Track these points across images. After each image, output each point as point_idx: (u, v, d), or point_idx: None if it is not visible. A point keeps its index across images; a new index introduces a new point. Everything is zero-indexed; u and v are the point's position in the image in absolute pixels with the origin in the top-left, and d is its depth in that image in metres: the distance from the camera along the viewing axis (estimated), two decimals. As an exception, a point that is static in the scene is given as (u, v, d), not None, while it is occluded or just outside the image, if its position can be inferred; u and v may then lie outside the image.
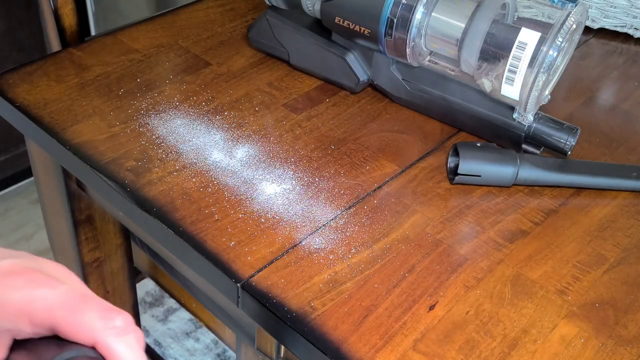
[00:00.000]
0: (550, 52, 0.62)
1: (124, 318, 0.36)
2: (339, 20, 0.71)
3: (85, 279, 0.91)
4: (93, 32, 1.44)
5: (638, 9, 0.90)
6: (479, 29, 0.65)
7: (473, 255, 0.60)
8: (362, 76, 0.75)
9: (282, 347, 0.66)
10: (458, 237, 0.62)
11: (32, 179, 1.72)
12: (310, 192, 0.65)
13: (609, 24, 0.93)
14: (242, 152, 0.68)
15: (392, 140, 0.72)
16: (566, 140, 0.68)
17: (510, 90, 0.65)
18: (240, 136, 0.70)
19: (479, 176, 0.66)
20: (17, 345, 0.37)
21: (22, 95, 0.73)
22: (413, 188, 0.67)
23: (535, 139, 0.70)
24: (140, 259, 0.96)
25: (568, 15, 0.63)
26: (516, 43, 0.63)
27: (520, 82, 0.64)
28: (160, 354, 1.40)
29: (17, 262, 0.36)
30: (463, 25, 0.66)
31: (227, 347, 1.43)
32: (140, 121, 0.71)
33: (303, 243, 0.60)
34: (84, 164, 0.66)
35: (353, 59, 0.75)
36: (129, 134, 0.69)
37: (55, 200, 0.85)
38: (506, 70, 0.64)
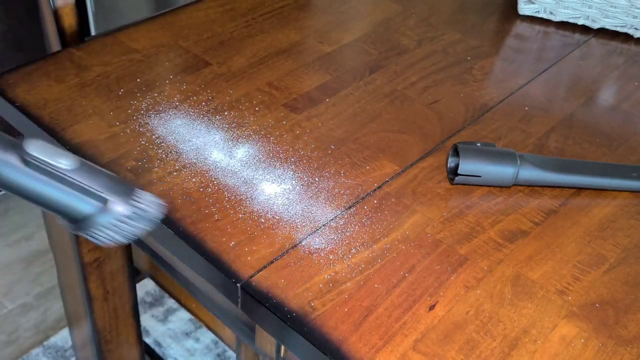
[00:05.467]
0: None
1: None
2: None
3: (85, 279, 0.91)
4: (93, 32, 1.44)
5: (638, 9, 0.90)
6: None
7: (473, 256, 0.60)
8: None
9: (282, 347, 0.66)
10: (458, 237, 0.62)
11: (32, 179, 1.71)
12: (310, 192, 0.65)
13: (609, 23, 0.93)
14: (242, 152, 0.68)
15: (392, 140, 0.72)
16: None
17: None
18: (240, 136, 0.70)
19: (479, 176, 0.66)
20: None
21: (22, 95, 0.72)
22: (413, 188, 0.67)
23: None
24: (140, 259, 0.96)
25: None
26: None
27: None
28: (160, 354, 1.40)
29: None
30: None
31: (227, 347, 1.43)
32: (140, 121, 0.71)
33: (303, 243, 0.60)
34: (83, 164, 0.66)
35: None
36: (129, 134, 0.69)
37: (55, 200, 0.85)
38: None
